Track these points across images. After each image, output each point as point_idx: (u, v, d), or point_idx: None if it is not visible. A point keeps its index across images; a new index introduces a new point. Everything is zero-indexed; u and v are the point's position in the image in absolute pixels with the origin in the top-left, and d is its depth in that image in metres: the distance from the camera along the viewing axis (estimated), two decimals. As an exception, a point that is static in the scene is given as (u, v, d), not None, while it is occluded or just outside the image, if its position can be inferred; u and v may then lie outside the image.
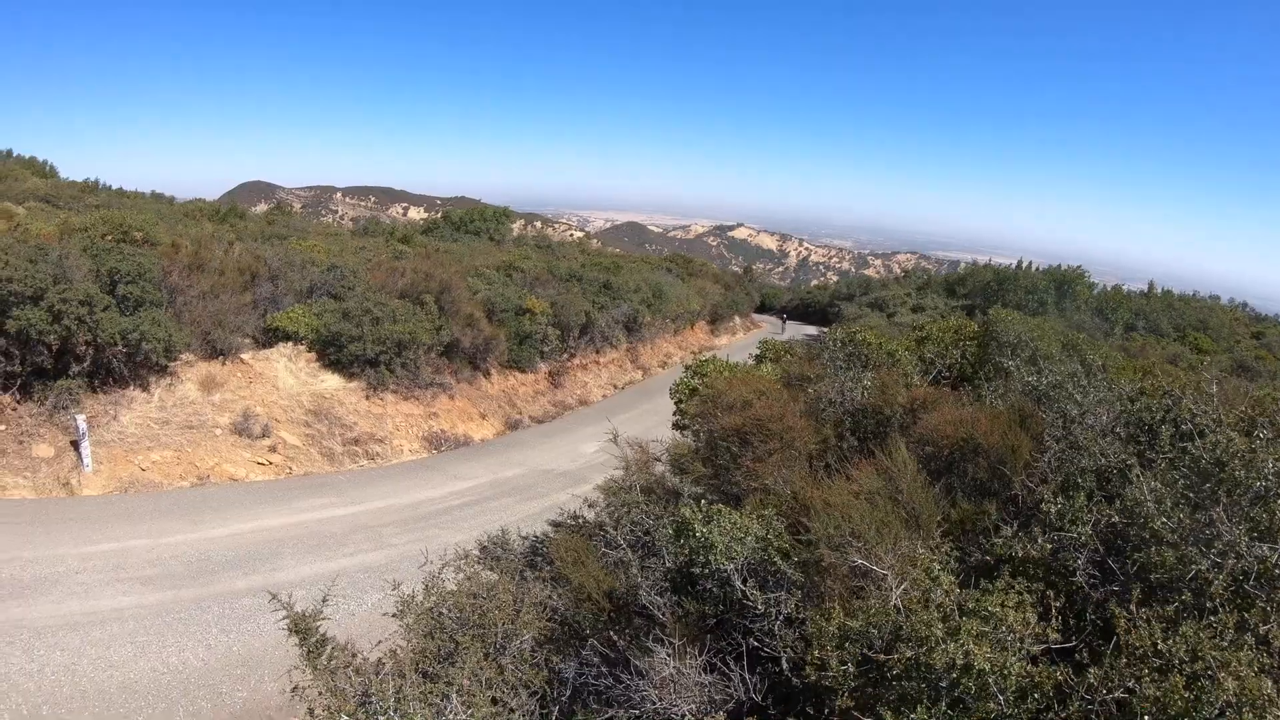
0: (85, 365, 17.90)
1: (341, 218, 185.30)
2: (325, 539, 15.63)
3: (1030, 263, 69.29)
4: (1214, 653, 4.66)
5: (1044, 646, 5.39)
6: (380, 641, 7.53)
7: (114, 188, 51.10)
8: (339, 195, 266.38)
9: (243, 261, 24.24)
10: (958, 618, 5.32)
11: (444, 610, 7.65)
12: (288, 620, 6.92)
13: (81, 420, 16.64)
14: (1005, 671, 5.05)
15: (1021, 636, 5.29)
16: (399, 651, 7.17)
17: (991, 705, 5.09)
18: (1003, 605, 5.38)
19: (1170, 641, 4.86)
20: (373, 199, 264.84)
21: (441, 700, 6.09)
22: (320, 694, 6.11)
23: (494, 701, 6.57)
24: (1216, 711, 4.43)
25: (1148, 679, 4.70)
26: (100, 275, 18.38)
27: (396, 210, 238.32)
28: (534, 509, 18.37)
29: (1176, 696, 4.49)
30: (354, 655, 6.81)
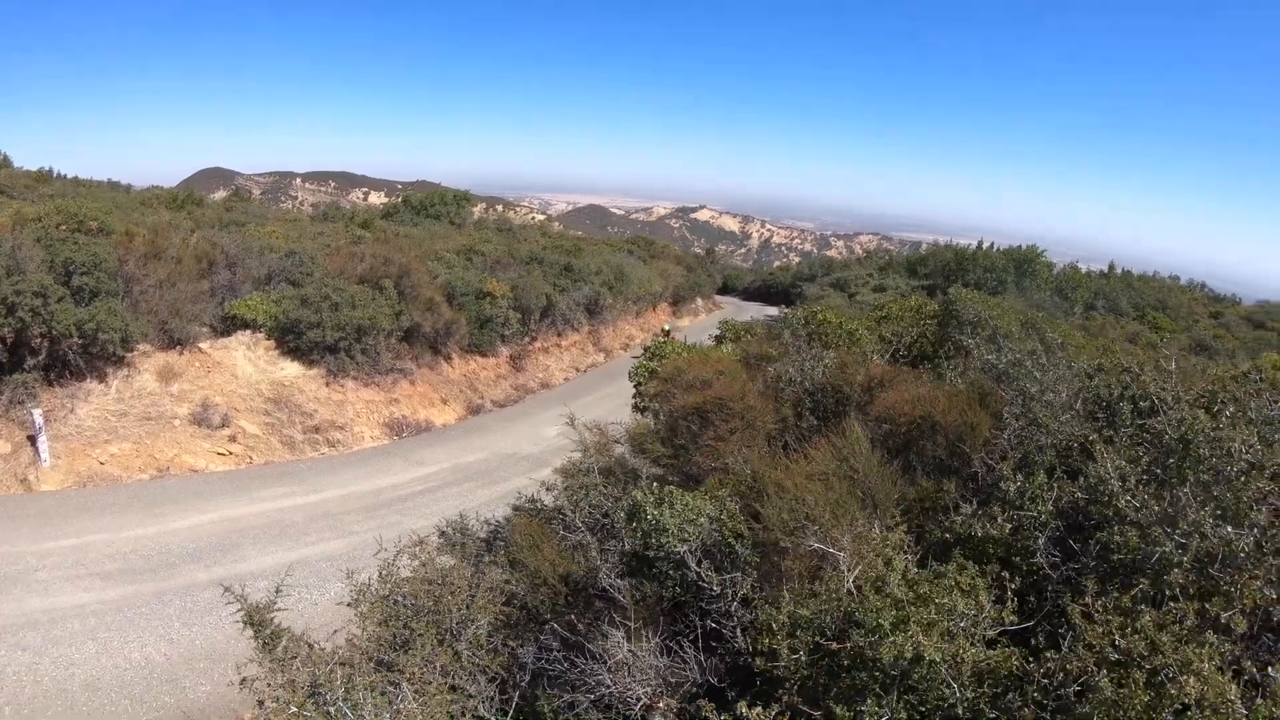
0: (41, 358, 17.64)
1: (301, 203, 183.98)
2: (287, 528, 15.57)
3: (991, 243, 69.56)
4: (1174, 652, 4.57)
5: (1000, 629, 5.42)
6: (337, 630, 7.52)
7: (69, 177, 50.42)
8: (298, 181, 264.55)
9: (200, 249, 23.99)
10: (907, 607, 5.32)
11: (399, 598, 7.65)
12: (242, 613, 6.92)
13: (38, 414, 16.41)
14: (959, 660, 5.04)
15: (975, 621, 5.31)
16: (355, 640, 7.18)
17: (946, 692, 5.12)
18: (953, 592, 5.40)
19: (1129, 637, 4.77)
20: (332, 184, 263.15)
21: (393, 689, 6.10)
22: (269, 686, 6.11)
23: (452, 689, 6.59)
24: (1175, 712, 4.39)
25: (1105, 676, 4.67)
26: (55, 266, 18.13)
27: (357, 195, 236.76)
28: (496, 493, 18.33)
29: (1136, 700, 4.42)
30: (309, 646, 6.81)
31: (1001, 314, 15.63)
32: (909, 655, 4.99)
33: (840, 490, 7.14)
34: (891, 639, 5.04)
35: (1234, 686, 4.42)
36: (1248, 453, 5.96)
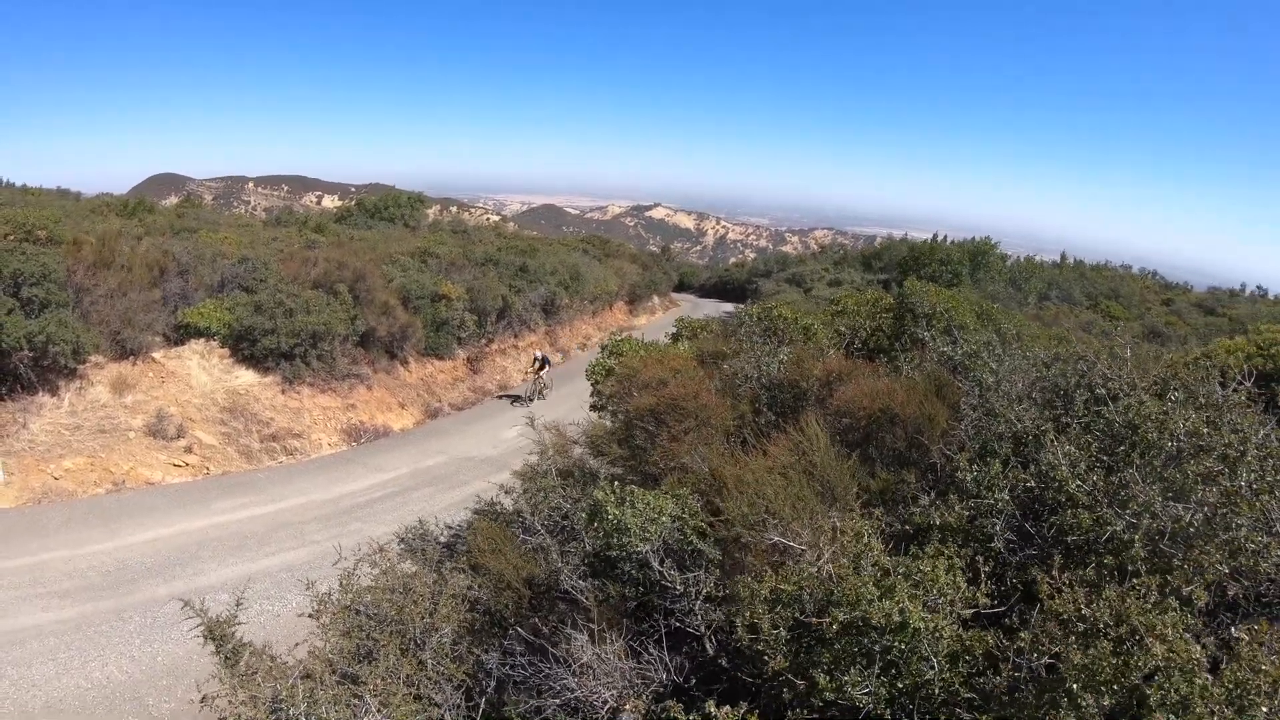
0: (-10, 372, 17.42)
1: (254, 208, 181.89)
2: (246, 539, 15.43)
3: (945, 236, 70.02)
4: (1140, 617, 4.66)
5: (974, 611, 5.47)
6: (299, 643, 7.45)
7: (16, 185, 49.58)
8: (251, 185, 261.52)
9: (151, 257, 23.60)
10: (894, 575, 5.38)
11: (361, 607, 7.59)
12: (202, 627, 6.84)
13: (-13, 429, 16.22)
14: (938, 633, 5.10)
15: (952, 600, 5.36)
16: (317, 652, 7.11)
17: (925, 668, 5.17)
18: (934, 568, 5.46)
19: (1094, 606, 4.85)
20: (285, 188, 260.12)
21: (358, 700, 6.06)
22: (230, 702, 6.04)
23: (417, 698, 6.55)
24: (1144, 676, 4.45)
25: (1074, 645, 4.72)
26: (2, 278, 17.84)
27: (310, 199, 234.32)
28: (456, 497, 18.29)
29: (1104, 663, 4.48)
30: (271, 659, 6.74)
31: (957, 306, 15.74)
32: (897, 619, 5.03)
33: (799, 483, 7.17)
34: (880, 603, 5.09)
35: (1198, 647, 4.50)
36: (1193, 435, 6.09)
